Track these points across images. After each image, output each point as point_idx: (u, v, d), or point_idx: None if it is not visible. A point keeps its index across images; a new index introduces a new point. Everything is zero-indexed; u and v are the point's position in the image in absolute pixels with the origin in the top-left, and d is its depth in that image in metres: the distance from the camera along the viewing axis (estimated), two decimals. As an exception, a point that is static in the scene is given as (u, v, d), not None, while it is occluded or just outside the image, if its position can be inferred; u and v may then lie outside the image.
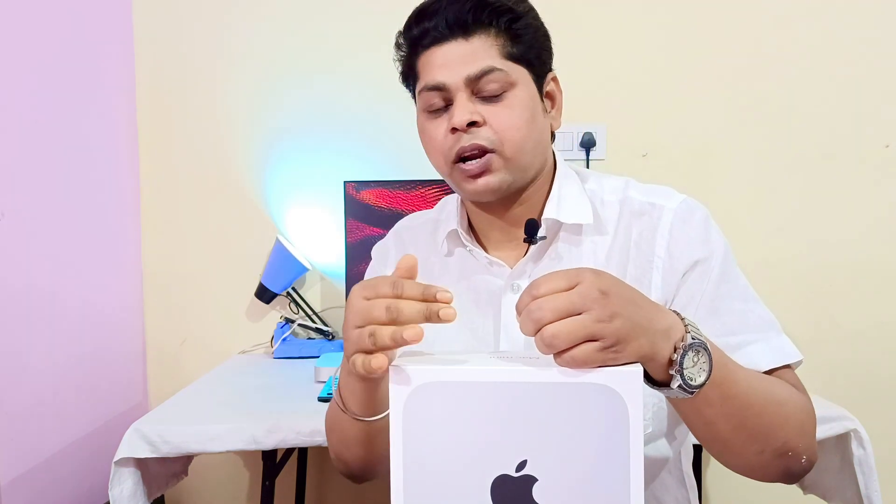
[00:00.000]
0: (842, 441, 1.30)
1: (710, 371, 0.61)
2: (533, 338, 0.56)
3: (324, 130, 1.94)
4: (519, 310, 0.57)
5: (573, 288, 0.56)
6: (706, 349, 0.61)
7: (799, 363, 0.79)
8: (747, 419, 0.66)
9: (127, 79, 1.92)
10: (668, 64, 1.90)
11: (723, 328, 0.78)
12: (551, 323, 0.54)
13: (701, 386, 0.61)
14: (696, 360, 0.60)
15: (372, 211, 1.75)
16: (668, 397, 0.64)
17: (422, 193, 1.73)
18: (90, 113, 1.75)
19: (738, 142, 1.90)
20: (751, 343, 0.77)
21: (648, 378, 0.62)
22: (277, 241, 1.88)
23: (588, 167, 1.89)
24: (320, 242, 1.94)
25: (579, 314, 0.55)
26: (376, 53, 1.87)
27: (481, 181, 0.79)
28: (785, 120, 1.89)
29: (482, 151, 0.78)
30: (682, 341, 0.60)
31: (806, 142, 1.89)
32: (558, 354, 0.55)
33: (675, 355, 0.60)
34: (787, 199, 1.90)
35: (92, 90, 1.76)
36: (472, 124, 0.78)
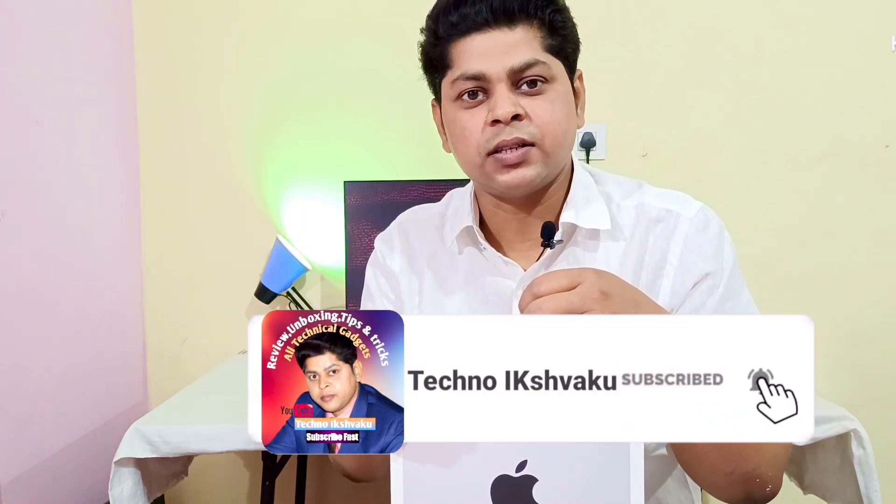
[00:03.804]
0: (842, 441, 1.30)
1: None
2: None
3: (324, 130, 1.94)
4: (521, 308, 0.57)
5: (575, 287, 0.56)
6: None
7: None
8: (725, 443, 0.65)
9: (127, 79, 1.92)
10: (668, 64, 1.89)
11: None
12: None
13: None
14: None
15: (372, 211, 1.75)
16: None
17: (422, 193, 1.73)
18: (90, 113, 1.75)
19: (739, 142, 1.90)
20: None
21: None
22: (277, 241, 1.88)
23: (588, 167, 1.89)
24: (320, 242, 1.94)
25: (580, 314, 0.55)
26: (378, 52, 1.88)
27: (518, 172, 0.77)
28: (785, 120, 1.89)
29: (522, 145, 0.76)
30: None
31: (806, 142, 1.89)
32: None
33: None
34: (786, 199, 1.89)
35: (92, 90, 1.76)
36: (515, 117, 0.76)
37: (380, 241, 0.95)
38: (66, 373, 1.61)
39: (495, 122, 0.76)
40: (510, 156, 0.76)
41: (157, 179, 1.96)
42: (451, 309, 0.87)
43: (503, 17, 0.75)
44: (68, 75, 1.65)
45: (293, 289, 1.92)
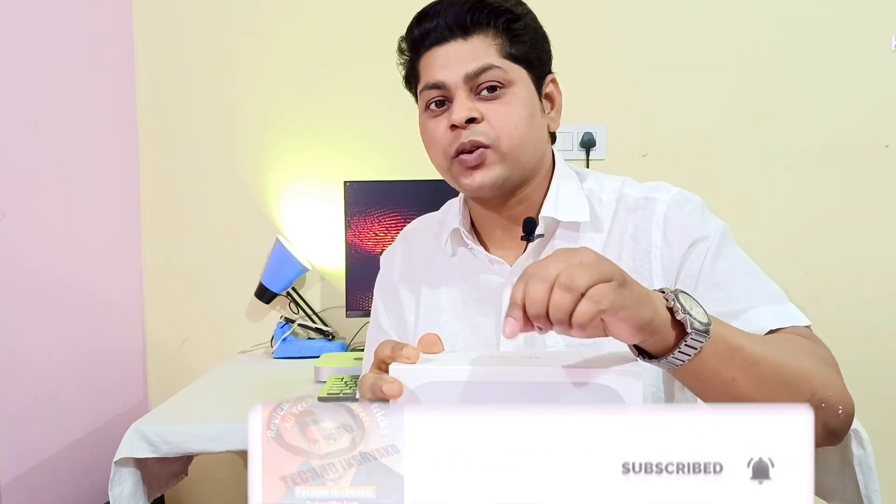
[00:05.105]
0: (842, 441, 1.30)
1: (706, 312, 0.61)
2: (534, 333, 0.57)
3: (324, 130, 1.94)
4: (515, 299, 0.55)
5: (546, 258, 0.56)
6: (692, 296, 0.61)
7: (808, 329, 0.78)
8: (766, 372, 0.64)
9: (127, 79, 1.92)
10: (668, 64, 1.89)
11: (725, 297, 0.77)
12: (558, 277, 0.53)
13: (710, 325, 0.59)
14: (690, 303, 0.60)
15: (372, 211, 1.75)
16: (681, 370, 0.61)
17: (422, 193, 1.73)
18: (90, 112, 1.75)
19: (739, 142, 1.90)
20: (755, 307, 0.76)
21: (652, 358, 0.61)
22: (277, 241, 1.88)
23: (588, 167, 1.89)
24: (320, 242, 1.94)
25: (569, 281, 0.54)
26: (378, 52, 1.87)
27: (478, 176, 0.81)
28: (785, 120, 1.89)
29: (479, 147, 0.80)
30: (669, 291, 0.61)
31: (806, 142, 1.89)
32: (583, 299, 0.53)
33: (672, 302, 0.59)
34: (787, 198, 1.90)
35: (92, 90, 1.76)
36: (471, 121, 0.80)
37: (383, 258, 1.02)
38: (67, 373, 1.61)
39: (453, 126, 0.80)
40: (469, 157, 0.81)
41: (157, 179, 1.96)
42: (446, 306, 0.91)
43: (458, 29, 0.81)
44: (68, 75, 1.65)
45: (293, 289, 1.92)
